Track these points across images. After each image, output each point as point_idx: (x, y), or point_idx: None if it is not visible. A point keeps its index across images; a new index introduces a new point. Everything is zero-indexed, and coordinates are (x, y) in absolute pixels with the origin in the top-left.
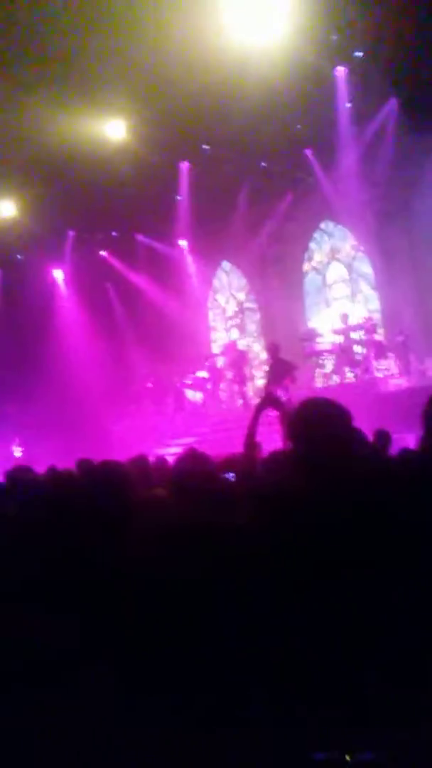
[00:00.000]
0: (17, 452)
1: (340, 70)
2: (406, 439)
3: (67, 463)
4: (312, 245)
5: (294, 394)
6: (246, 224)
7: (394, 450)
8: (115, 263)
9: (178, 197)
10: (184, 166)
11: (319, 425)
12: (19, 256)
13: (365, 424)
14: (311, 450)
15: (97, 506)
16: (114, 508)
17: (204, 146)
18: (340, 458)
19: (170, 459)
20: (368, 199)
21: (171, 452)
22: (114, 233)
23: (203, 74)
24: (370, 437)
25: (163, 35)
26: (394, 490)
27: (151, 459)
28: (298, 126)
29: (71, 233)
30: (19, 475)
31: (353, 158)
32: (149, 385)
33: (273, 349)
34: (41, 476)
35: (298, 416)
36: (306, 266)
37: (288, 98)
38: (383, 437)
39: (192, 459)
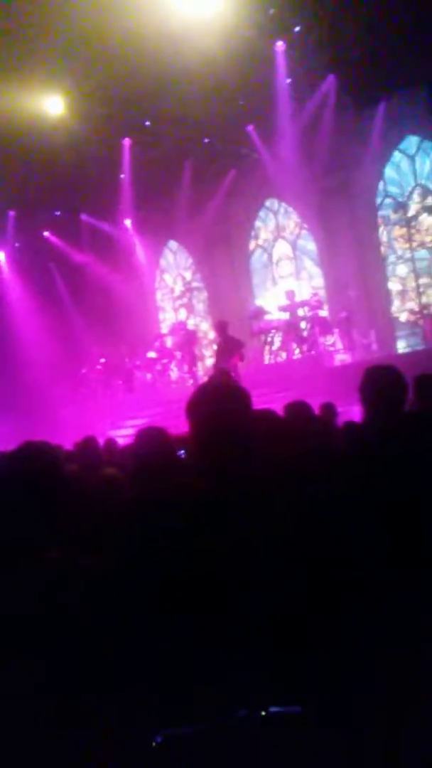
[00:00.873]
0: None
1: (279, 45)
2: (352, 411)
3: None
4: (257, 223)
5: (242, 371)
6: (191, 203)
7: (340, 423)
8: (59, 243)
9: (122, 175)
10: (126, 142)
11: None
12: None
13: (313, 398)
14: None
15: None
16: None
17: (146, 122)
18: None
19: (121, 441)
20: (310, 177)
21: (122, 434)
22: (57, 213)
23: (143, 48)
24: (317, 411)
25: (102, 7)
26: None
27: (101, 441)
28: (240, 101)
29: (12, 213)
30: None
31: (294, 135)
32: (98, 366)
33: (221, 328)
34: None
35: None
36: (252, 244)
37: (229, 73)
38: (329, 410)
39: (152, 435)
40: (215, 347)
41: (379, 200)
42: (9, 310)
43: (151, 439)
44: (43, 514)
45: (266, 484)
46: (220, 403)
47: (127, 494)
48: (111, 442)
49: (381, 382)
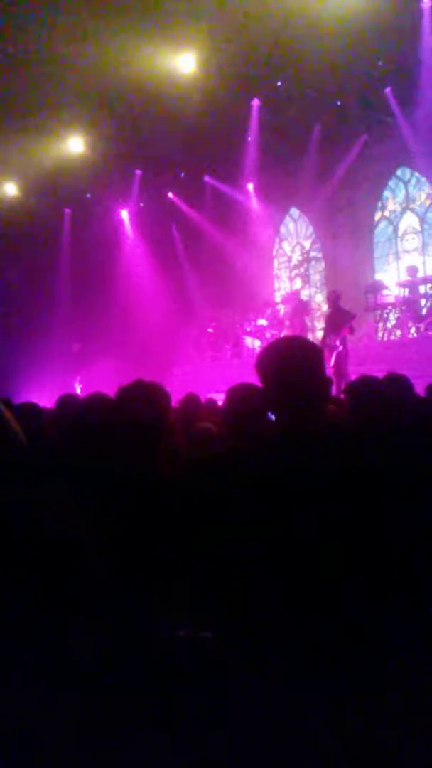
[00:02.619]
0: (78, 389)
1: (426, 2)
2: None
3: None
4: (386, 193)
5: (352, 345)
6: (317, 169)
7: None
8: (182, 205)
9: (248, 137)
10: (255, 103)
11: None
12: (87, 195)
13: (424, 380)
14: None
15: (131, 420)
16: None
17: (277, 82)
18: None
19: (221, 402)
20: None
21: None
22: (182, 174)
23: (278, 5)
24: (424, 392)
25: None
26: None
27: (203, 401)
28: (380, 62)
29: (138, 173)
30: (68, 401)
31: None
32: (209, 330)
33: (333, 298)
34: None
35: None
36: (377, 215)
37: (369, 31)
38: None
39: (242, 389)
40: (325, 319)
41: None
42: (130, 268)
43: (242, 393)
44: (144, 449)
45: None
46: (288, 358)
47: (219, 448)
48: (211, 402)
49: None
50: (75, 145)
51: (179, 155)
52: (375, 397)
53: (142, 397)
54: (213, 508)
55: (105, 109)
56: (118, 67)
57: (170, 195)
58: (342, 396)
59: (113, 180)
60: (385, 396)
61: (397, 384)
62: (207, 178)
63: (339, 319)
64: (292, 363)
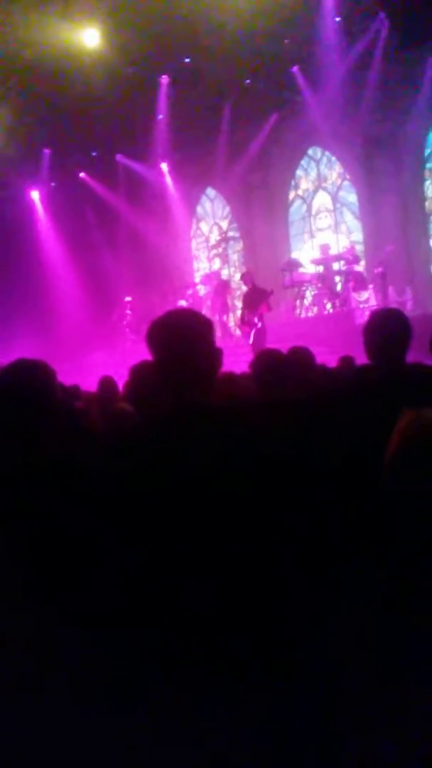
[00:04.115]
0: None
1: None
2: None
3: None
4: (298, 172)
5: (272, 323)
6: (230, 148)
7: None
8: (95, 185)
9: (159, 116)
10: (164, 80)
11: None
12: None
13: (339, 354)
14: None
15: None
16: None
17: (185, 59)
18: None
19: None
20: (356, 125)
21: None
22: (93, 153)
23: None
24: (336, 363)
25: None
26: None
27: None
28: (286, 40)
29: (47, 152)
30: None
31: (341, 79)
32: (128, 313)
33: (247, 278)
34: None
35: None
36: (291, 194)
37: (274, 10)
38: (347, 362)
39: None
40: (243, 297)
41: (427, 152)
42: (42, 250)
43: (142, 371)
44: (27, 430)
45: (224, 416)
46: (174, 330)
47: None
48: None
49: (383, 325)
50: None
51: (89, 133)
52: (278, 370)
53: (20, 374)
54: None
55: (8, 84)
56: (19, 42)
57: (82, 175)
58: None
59: (21, 160)
60: (288, 368)
61: (300, 356)
62: (119, 157)
63: (256, 297)
64: (177, 335)
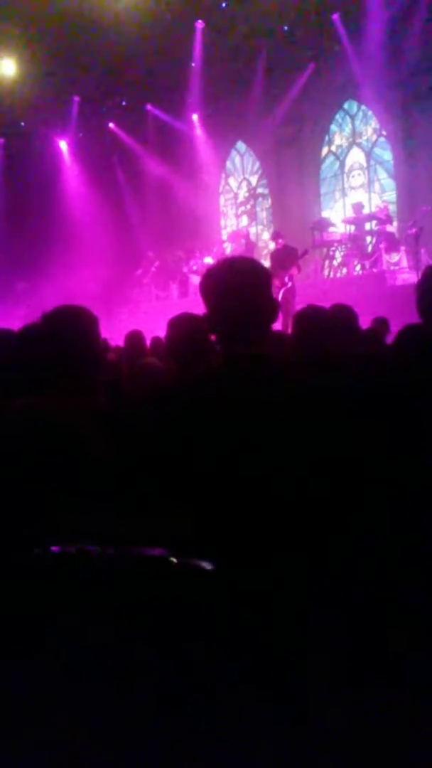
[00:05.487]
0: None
1: None
2: None
3: None
4: (332, 127)
5: (299, 283)
6: (263, 100)
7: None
8: (124, 136)
9: (192, 64)
10: (200, 25)
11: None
12: (22, 123)
13: (370, 316)
14: None
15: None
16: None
17: (222, 3)
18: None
19: None
20: (396, 79)
21: None
22: (123, 102)
23: None
24: (370, 324)
25: None
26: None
27: (149, 339)
28: None
29: (77, 99)
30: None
31: (383, 29)
32: (154, 269)
33: (277, 237)
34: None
35: None
36: (324, 150)
37: None
38: (382, 325)
39: (183, 320)
40: (271, 256)
41: None
42: (69, 201)
43: (183, 323)
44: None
45: (284, 366)
46: (232, 279)
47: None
48: (157, 339)
49: None
50: (7, 67)
51: (119, 82)
52: (321, 326)
53: (71, 321)
54: (159, 439)
55: (38, 28)
56: None
57: (111, 125)
58: (289, 331)
59: (50, 107)
60: (331, 325)
61: (343, 314)
62: (149, 107)
63: (287, 256)
64: (236, 283)
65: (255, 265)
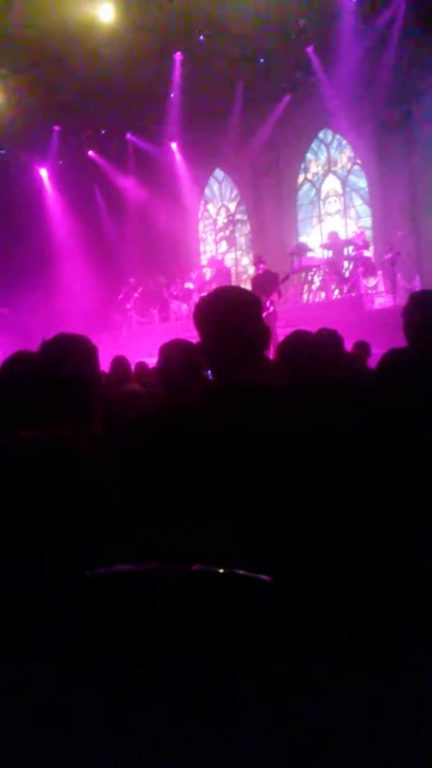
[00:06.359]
0: None
1: None
2: None
3: None
4: (308, 155)
5: (279, 308)
6: (241, 129)
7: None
8: (103, 164)
9: (171, 94)
10: (178, 56)
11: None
12: (2, 151)
13: (349, 341)
14: None
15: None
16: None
17: (200, 36)
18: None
19: (152, 365)
20: (369, 108)
21: (154, 361)
22: (102, 131)
23: None
24: (351, 349)
25: None
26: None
27: (133, 365)
28: (301, 20)
29: (57, 128)
30: None
31: (356, 61)
32: (136, 294)
33: (259, 262)
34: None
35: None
36: (301, 177)
37: None
38: (363, 348)
39: (175, 346)
40: (252, 282)
41: None
42: (49, 228)
43: (175, 349)
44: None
45: (276, 394)
46: (226, 307)
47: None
48: (142, 365)
49: (426, 305)
50: None
51: (99, 111)
52: (307, 351)
53: (71, 350)
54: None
55: (19, 58)
56: (34, 13)
57: (91, 153)
58: (272, 356)
59: (30, 136)
60: (317, 350)
61: (329, 338)
62: (129, 136)
63: (268, 281)
64: (230, 311)
65: (247, 294)
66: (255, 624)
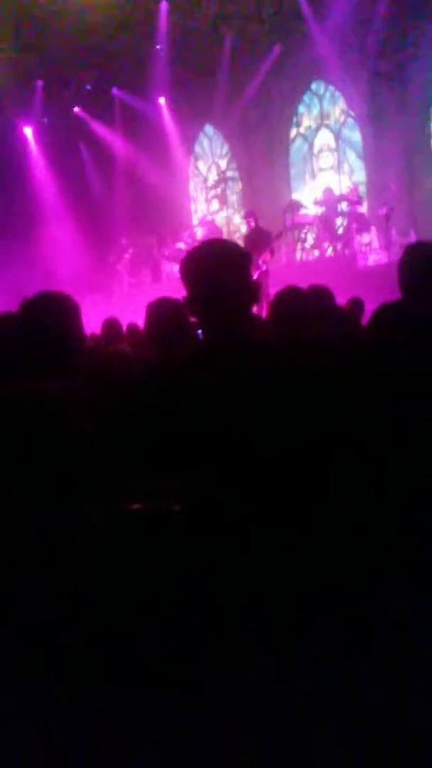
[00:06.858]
0: None
1: None
2: None
3: None
4: (300, 108)
5: (273, 266)
6: (230, 83)
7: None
8: (90, 120)
9: (157, 46)
10: (163, 6)
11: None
12: None
13: (343, 298)
14: None
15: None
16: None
17: None
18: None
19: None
20: (362, 59)
21: None
22: (87, 86)
23: None
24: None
25: None
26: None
27: (125, 327)
28: None
29: (40, 83)
30: None
31: (349, 9)
32: (128, 255)
33: (251, 218)
34: None
35: None
36: (293, 132)
37: None
38: (356, 305)
39: (162, 304)
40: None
41: None
42: (36, 190)
43: (161, 308)
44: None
45: (268, 349)
46: (213, 261)
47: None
48: (133, 326)
49: (425, 257)
50: None
51: (84, 65)
52: (299, 308)
53: (51, 306)
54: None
55: (2, 15)
56: None
57: (76, 110)
58: (264, 315)
59: (13, 93)
60: (309, 307)
61: (321, 295)
62: (115, 91)
63: (261, 239)
64: (219, 265)
65: (234, 248)
66: None
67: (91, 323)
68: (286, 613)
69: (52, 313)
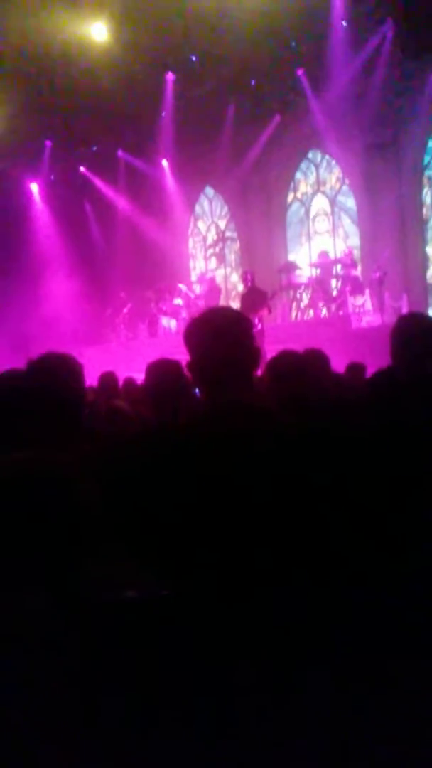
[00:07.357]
0: None
1: None
2: None
3: None
4: (297, 175)
5: (268, 325)
6: (232, 148)
7: None
8: (95, 179)
9: (162, 113)
10: (170, 77)
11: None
12: None
13: (337, 359)
14: None
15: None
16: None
17: (192, 57)
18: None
19: (140, 381)
20: (357, 130)
21: (143, 377)
22: (94, 147)
23: None
24: (344, 371)
25: None
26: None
27: (121, 381)
28: (292, 43)
29: (48, 144)
30: None
31: (345, 84)
32: (124, 310)
33: (247, 278)
34: None
35: None
36: (290, 196)
37: (283, 12)
38: (357, 370)
39: (162, 365)
40: (242, 296)
41: (427, 159)
42: (39, 244)
43: (163, 369)
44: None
45: (266, 414)
46: (218, 328)
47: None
48: (130, 381)
49: (409, 329)
50: None
51: (91, 128)
52: (296, 372)
53: (58, 368)
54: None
55: (12, 74)
56: (28, 32)
57: (82, 169)
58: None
59: (22, 150)
60: (305, 371)
61: (316, 359)
62: (120, 153)
63: (256, 298)
64: (221, 332)
65: (237, 314)
66: None
67: (88, 375)
68: (282, 689)
69: (60, 378)
